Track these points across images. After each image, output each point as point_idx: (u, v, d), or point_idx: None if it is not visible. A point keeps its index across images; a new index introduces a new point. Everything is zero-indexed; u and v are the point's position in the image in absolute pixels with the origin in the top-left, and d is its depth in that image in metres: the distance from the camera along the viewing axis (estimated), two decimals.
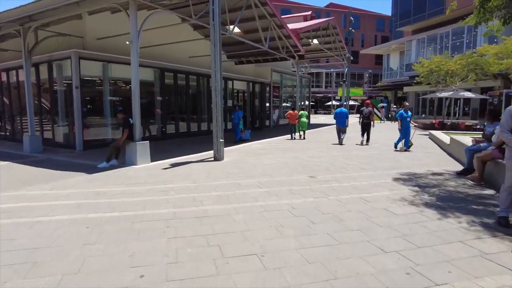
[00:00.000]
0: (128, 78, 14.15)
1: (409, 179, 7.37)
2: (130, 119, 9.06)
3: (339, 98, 56.60)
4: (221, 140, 9.63)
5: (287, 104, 28.32)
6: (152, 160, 9.44)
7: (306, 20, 25.74)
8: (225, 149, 11.81)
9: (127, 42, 8.85)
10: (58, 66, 12.52)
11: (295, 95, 28.33)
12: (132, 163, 8.96)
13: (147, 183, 6.89)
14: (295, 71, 30.57)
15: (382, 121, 32.99)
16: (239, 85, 20.59)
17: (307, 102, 30.71)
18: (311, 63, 40.27)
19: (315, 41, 24.63)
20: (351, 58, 27.92)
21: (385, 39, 55.89)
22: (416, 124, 18.94)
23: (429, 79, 23.14)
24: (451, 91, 18.67)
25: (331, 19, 24.02)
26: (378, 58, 59.35)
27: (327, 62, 52.99)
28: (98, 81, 12.91)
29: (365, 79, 56.81)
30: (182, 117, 16.34)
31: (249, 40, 15.19)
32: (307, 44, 27.35)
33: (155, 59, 14.68)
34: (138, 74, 9.02)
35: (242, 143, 13.90)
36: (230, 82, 19.20)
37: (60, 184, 6.93)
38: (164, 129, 15.15)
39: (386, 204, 5.43)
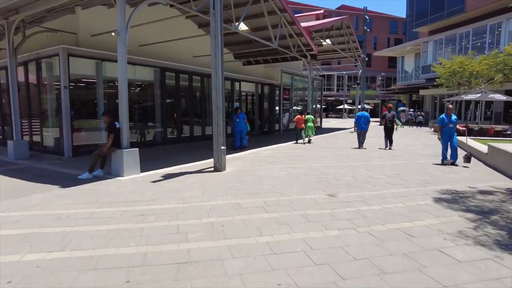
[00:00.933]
0: (128, 78, 13.22)
1: (453, 199, 5.78)
2: (116, 123, 7.70)
3: (351, 101, 54.89)
4: (222, 147, 8.18)
5: (298, 108, 26.83)
6: (143, 170, 8.06)
7: (318, 19, 24.25)
8: (229, 156, 10.41)
9: (113, 34, 7.51)
10: (48, 65, 11.29)
11: (306, 98, 26.83)
12: (118, 174, 7.58)
13: (126, 203, 5.47)
14: (306, 73, 29.07)
15: (401, 126, 31.18)
16: (246, 87, 19.19)
17: (318, 106, 29.14)
18: (322, 65, 38.72)
19: (328, 41, 23.17)
20: (366, 58, 26.26)
21: (398, 42, 53.94)
22: (464, 128, 16.79)
23: (451, 81, 21.35)
24: (477, 93, 16.92)
25: (345, 17, 22.47)
26: (391, 61, 57.41)
27: (338, 64, 51.40)
28: (91, 81, 11.63)
29: (378, 82, 54.87)
30: (185, 120, 14.98)
31: (257, 38, 13.78)
32: (319, 45, 25.89)
33: (156, 58, 13.38)
34: (126, 71, 7.66)
35: (243, 151, 12.41)
36: (237, 84, 17.80)
37: (22, 202, 5.57)
38: (164, 134, 13.80)
39: (439, 242, 3.88)
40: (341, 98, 55.06)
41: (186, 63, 14.90)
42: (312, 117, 15.88)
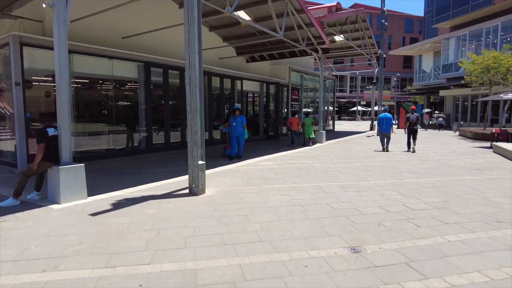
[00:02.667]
0: (104, 74, 10.64)
1: None
2: (49, 129, 5.52)
3: (364, 103, 52.05)
4: (200, 162, 5.89)
5: (309, 110, 24.44)
6: (96, 192, 5.90)
7: (331, 12, 21.75)
8: (219, 169, 8.17)
9: (44, 5, 5.31)
10: (4, 58, 9.25)
11: (317, 99, 24.37)
12: (54, 199, 5.38)
13: (15, 263, 3.24)
14: (318, 71, 26.80)
15: (423, 129, 28.41)
16: (250, 86, 16.89)
17: (331, 108, 26.63)
18: (334, 64, 36.20)
19: (341, 36, 20.71)
20: (384, 55, 23.68)
21: (414, 41, 50.76)
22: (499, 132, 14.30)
23: (483, 78, 18.58)
24: None
25: (360, 10, 19.93)
26: (406, 61, 54.34)
27: (351, 65, 48.66)
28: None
29: (393, 83, 51.84)
30: (175, 124, 12.77)
31: (259, 26, 11.47)
32: (332, 41, 23.42)
33: (140, 51, 11.24)
34: (66, 59, 5.46)
35: (240, 161, 10.11)
36: (238, 82, 15.51)
37: None
38: (149, 140, 11.60)
39: None
40: (354, 100, 52.23)
41: (179, 58, 12.71)
42: (311, 119, 14.75)
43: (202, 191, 5.95)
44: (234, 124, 10.47)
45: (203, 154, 6.02)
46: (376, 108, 27.87)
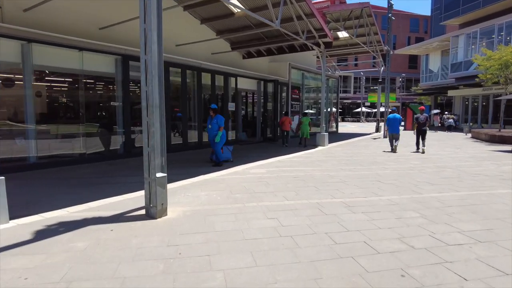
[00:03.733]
0: (74, 68, 8.85)
1: None
2: None
3: (369, 104, 50.43)
4: (158, 175, 4.42)
5: (312, 111, 22.95)
6: (28, 212, 4.50)
7: (334, 4, 20.23)
8: (199, 179, 6.71)
9: None
10: None
11: (320, 100, 22.85)
12: None
13: None
14: (320, 70, 25.36)
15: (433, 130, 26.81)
16: (246, 84, 15.42)
17: (334, 109, 25.09)
18: (338, 64, 34.63)
19: (345, 33, 19.22)
20: (391, 51, 22.11)
21: (419, 40, 48.96)
22: None
23: (500, 76, 16.96)
24: None
25: (365, 3, 18.40)
26: (411, 61, 52.64)
27: (355, 65, 47.02)
28: (15, 70, 8.16)
29: (398, 84, 50.12)
30: None
31: (253, 14, 10.00)
32: (336, 38, 21.92)
33: (118, 43, 9.85)
34: None
35: (224, 169, 8.64)
36: (232, 79, 14.04)
37: None
38: (127, 143, 10.17)
39: None
40: (359, 101, 50.58)
41: (165, 52, 11.32)
42: (309, 119, 14.35)
43: (162, 212, 4.49)
44: (210, 126, 8.82)
45: (164, 163, 4.55)
46: (382, 109, 26.29)
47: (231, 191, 5.97)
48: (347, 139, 18.09)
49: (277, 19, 10.49)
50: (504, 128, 20.83)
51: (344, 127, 31.59)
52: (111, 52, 9.69)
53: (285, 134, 14.25)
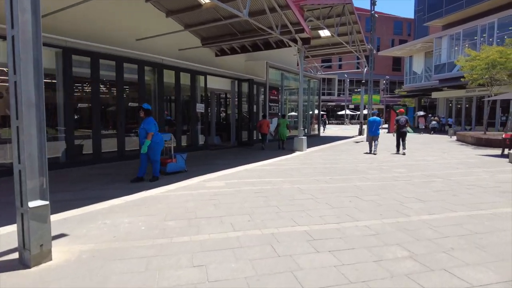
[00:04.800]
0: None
1: None
2: None
3: (353, 107, 49.71)
4: (35, 204, 2.99)
5: (295, 113, 21.80)
6: None
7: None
8: (137, 197, 5.28)
9: None
10: None
11: (307, 103, 21.72)
12: None
13: None
14: (305, 71, 24.42)
15: (412, 132, 26.00)
16: (218, 84, 14.04)
17: (316, 111, 23.94)
18: (321, 67, 33.63)
19: (327, 31, 18.12)
20: (374, 50, 21.09)
21: (403, 43, 48.66)
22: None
23: (484, 77, 16.07)
24: None
25: (347, 0, 17.29)
26: (395, 64, 52.28)
27: (339, 67, 46.25)
28: None
29: (382, 86, 49.60)
30: (110, 127, 9.86)
31: (224, 9, 8.65)
32: (317, 36, 20.80)
33: (61, 34, 8.36)
34: None
35: (177, 181, 7.25)
36: (201, 78, 12.64)
37: None
38: (70, 150, 8.64)
39: None
40: (343, 103, 49.84)
41: (123, 46, 9.88)
42: (287, 121, 13.92)
43: (42, 257, 3.06)
44: (138, 130, 7.06)
45: (45, 186, 3.12)
46: (365, 111, 25.34)
47: (166, 216, 4.58)
48: (328, 142, 16.90)
49: (245, 9, 9.18)
50: (487, 130, 20.09)
51: (328, 129, 30.51)
52: (51, 44, 8.18)
53: (264, 137, 13.64)
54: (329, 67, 45.07)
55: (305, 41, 12.72)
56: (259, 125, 13.78)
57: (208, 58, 14.51)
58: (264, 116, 14.67)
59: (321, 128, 27.39)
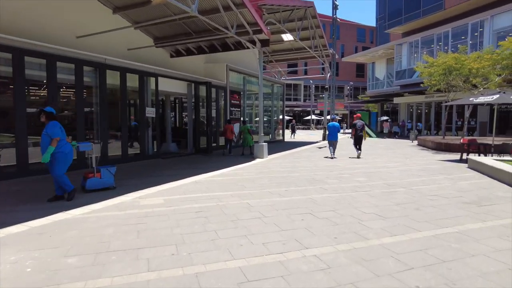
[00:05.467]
0: None
1: None
2: None
3: (318, 112, 50.07)
4: None
5: (269, 118, 21.28)
6: None
7: None
8: (54, 218, 4.20)
9: None
10: None
11: (270, 108, 21.16)
12: None
13: None
14: (265, 75, 23.87)
15: (374, 137, 26.19)
16: (174, 86, 12.98)
17: (280, 116, 23.43)
18: (288, 73, 33.36)
19: (290, 35, 17.67)
20: (336, 55, 20.92)
21: (366, 50, 49.91)
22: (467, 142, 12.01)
23: (441, 83, 16.22)
24: (492, 94, 11.58)
25: (309, 2, 16.91)
26: (359, 70, 53.46)
27: (305, 72, 46.43)
28: None
29: (346, 92, 50.42)
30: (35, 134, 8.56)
31: (174, 5, 7.73)
32: (279, 41, 20.34)
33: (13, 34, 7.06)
34: None
35: (108, 198, 6.20)
36: (152, 80, 11.55)
37: None
38: (21, 158, 7.29)
39: None
40: (309, 109, 50.06)
41: (60, 43, 8.64)
42: (248, 127, 13.52)
43: None
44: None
45: None
46: (328, 116, 25.21)
47: (70, 249, 3.56)
48: (292, 148, 16.32)
49: (193, 4, 8.31)
50: (445, 134, 20.49)
51: (296, 135, 30.12)
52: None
53: (228, 143, 13.24)
54: (295, 72, 45.17)
55: (264, 42, 12.05)
56: (223, 131, 13.40)
57: (162, 60, 13.45)
58: (228, 121, 14.09)
59: (291, 134, 27.01)
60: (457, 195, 6.24)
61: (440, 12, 24.88)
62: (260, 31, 11.17)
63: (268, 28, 12.68)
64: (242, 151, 13.39)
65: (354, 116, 13.58)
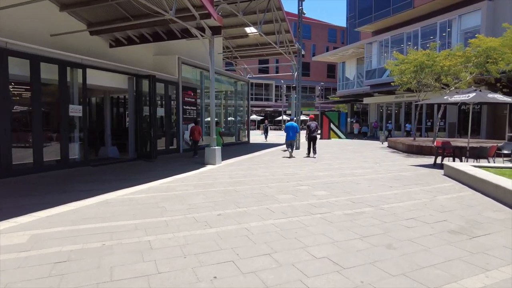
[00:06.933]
0: None
1: None
2: None
3: (289, 112, 48.89)
4: None
5: (231, 118, 19.63)
6: None
7: None
8: None
9: None
10: None
11: (235, 107, 19.42)
12: None
13: None
14: (229, 71, 22.28)
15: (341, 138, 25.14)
16: (110, 80, 10.93)
17: (246, 117, 21.77)
18: (260, 71, 31.77)
19: (253, 28, 16.06)
20: (303, 51, 19.49)
21: None
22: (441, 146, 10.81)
23: (412, 82, 15.13)
24: (467, 92, 10.41)
25: None
26: (330, 70, 52.83)
27: (276, 72, 45.09)
28: None
29: (317, 92, 49.58)
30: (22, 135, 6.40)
31: None
32: (244, 35, 18.74)
33: None
34: None
35: None
36: (78, 72, 9.46)
37: None
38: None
39: None
40: (280, 109, 48.75)
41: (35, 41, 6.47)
42: (220, 129, 12.91)
43: None
44: None
45: None
46: (302, 117, 23.85)
47: None
48: (253, 151, 14.67)
49: None
50: (415, 135, 19.61)
51: (262, 136, 28.55)
52: None
53: (195, 144, 12.39)
54: (266, 71, 43.76)
55: (215, 30, 10.28)
56: (191, 132, 12.54)
57: (101, 50, 11.38)
58: (196, 122, 12.97)
59: (263, 134, 25.47)
60: (440, 218, 4.76)
61: (410, 10, 24.16)
62: (208, 15, 9.37)
63: (225, 18, 10.94)
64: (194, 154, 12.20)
65: (309, 117, 13.79)
